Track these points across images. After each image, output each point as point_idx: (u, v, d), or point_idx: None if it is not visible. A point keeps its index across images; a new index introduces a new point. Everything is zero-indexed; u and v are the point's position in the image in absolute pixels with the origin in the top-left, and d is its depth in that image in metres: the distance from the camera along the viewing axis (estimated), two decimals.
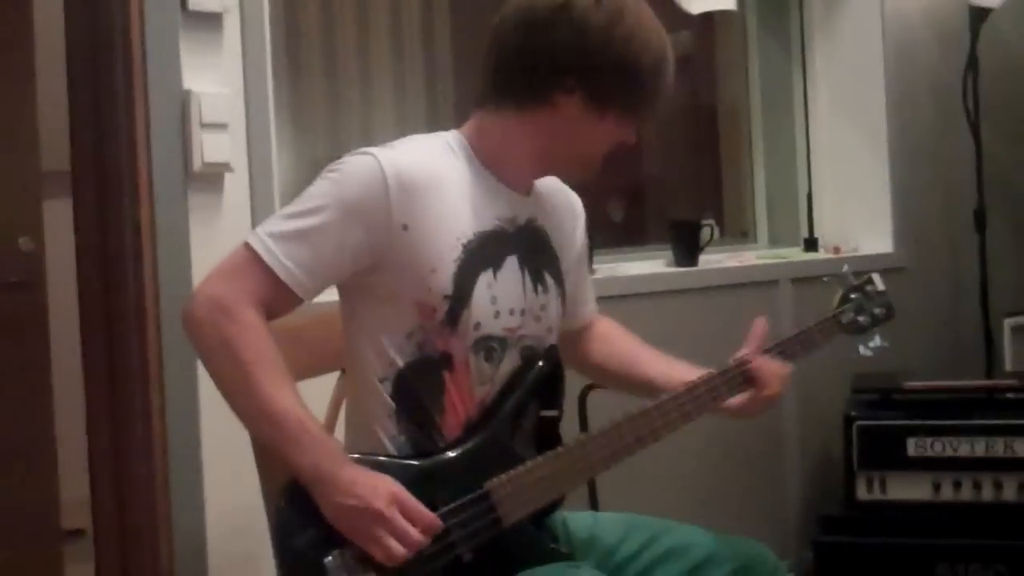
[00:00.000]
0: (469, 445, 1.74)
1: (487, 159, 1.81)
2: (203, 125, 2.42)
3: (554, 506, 1.82)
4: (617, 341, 2.11)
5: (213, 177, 2.49)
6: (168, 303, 2.41)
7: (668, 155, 4.30)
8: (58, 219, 3.19)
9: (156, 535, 2.48)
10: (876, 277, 2.10)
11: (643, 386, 1.98)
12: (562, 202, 1.97)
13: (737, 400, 1.92)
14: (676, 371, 1.96)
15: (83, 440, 2.78)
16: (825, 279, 2.12)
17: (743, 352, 1.92)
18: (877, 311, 2.08)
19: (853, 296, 2.07)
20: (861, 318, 2.07)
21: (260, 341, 1.64)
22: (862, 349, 2.08)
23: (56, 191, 3.24)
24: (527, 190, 1.86)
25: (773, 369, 1.91)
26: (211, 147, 2.44)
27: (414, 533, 1.61)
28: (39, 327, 3.79)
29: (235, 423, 1.72)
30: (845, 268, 2.10)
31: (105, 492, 2.67)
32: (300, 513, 1.64)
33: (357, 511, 1.60)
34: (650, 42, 1.77)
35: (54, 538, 3.84)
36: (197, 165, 2.43)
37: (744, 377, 1.90)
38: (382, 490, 1.61)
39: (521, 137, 1.79)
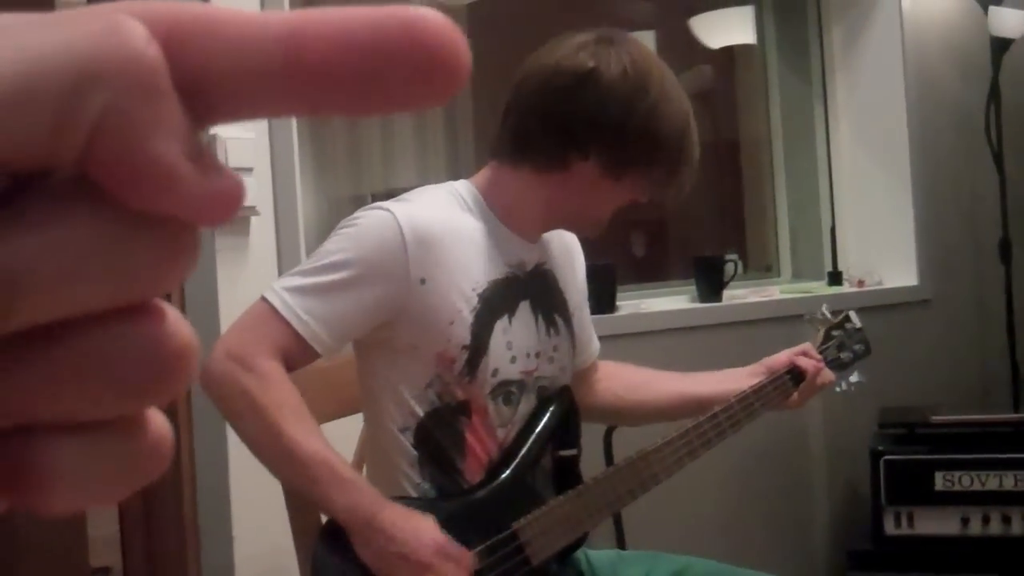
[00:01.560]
0: (493, 487, 1.76)
1: (499, 210, 1.82)
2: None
3: (579, 543, 1.84)
4: (626, 372, 2.13)
5: (239, 221, 2.51)
6: (199, 363, 2.42)
7: (691, 190, 4.31)
8: None
9: (185, 575, 2.50)
10: (853, 315, 2.19)
11: (690, 405, 2.01)
12: (561, 244, 1.98)
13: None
14: (718, 382, 2.02)
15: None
16: (806, 318, 2.19)
17: (784, 356, 2.03)
18: (857, 347, 2.17)
19: (835, 333, 2.15)
20: (843, 355, 2.15)
21: (281, 388, 1.64)
22: (844, 385, 2.16)
23: None
24: (535, 239, 1.88)
25: (826, 375, 2.05)
26: None
27: (459, 574, 1.62)
28: None
29: (266, 477, 1.73)
30: (823, 307, 2.17)
31: (134, 530, 2.69)
32: (338, 556, 1.64)
33: (402, 558, 1.60)
34: (673, 113, 1.75)
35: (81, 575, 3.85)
36: None
37: (795, 379, 2.01)
38: (426, 539, 1.62)
39: (535, 195, 1.81)
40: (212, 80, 0.28)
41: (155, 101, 0.26)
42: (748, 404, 1.94)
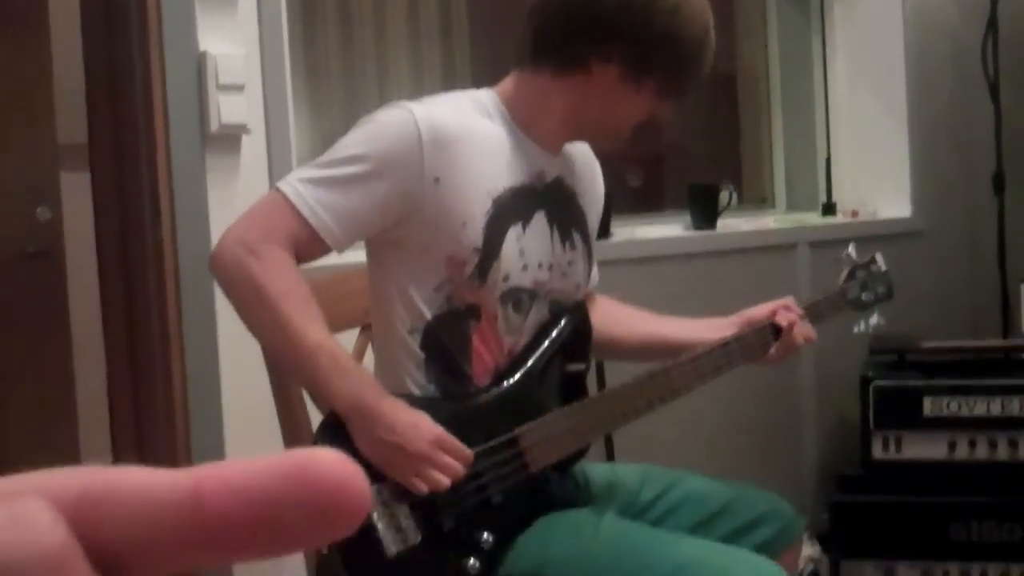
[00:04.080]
0: (499, 392, 1.78)
1: (520, 118, 1.82)
2: (219, 87, 2.44)
3: (578, 455, 1.85)
4: (620, 310, 2.12)
5: (230, 139, 2.50)
6: (187, 264, 2.43)
7: (687, 122, 4.30)
8: (75, 192, 3.22)
9: None
10: (879, 257, 2.17)
11: (657, 347, 2.00)
12: (586, 165, 1.99)
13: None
14: (698, 328, 2.00)
15: (103, 406, 2.81)
16: (835, 258, 2.17)
17: (765, 309, 1.97)
18: (880, 290, 2.16)
19: (859, 274, 2.14)
20: (865, 295, 2.14)
21: (289, 277, 1.65)
22: (862, 325, 2.16)
23: (73, 164, 3.26)
24: (557, 150, 1.88)
25: (806, 332, 1.97)
26: (228, 109, 2.45)
27: (456, 466, 1.65)
28: (59, 296, 3.83)
29: (256, 377, 1.74)
30: (851, 247, 2.15)
31: (127, 458, 2.71)
32: (337, 448, 1.65)
33: (398, 448, 1.62)
34: (694, 17, 1.77)
35: None
36: (214, 127, 2.44)
37: (775, 332, 1.95)
38: (424, 430, 1.64)
39: (556, 100, 1.81)
40: (128, 543, 0.29)
41: None
42: (730, 351, 1.92)
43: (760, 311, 1.98)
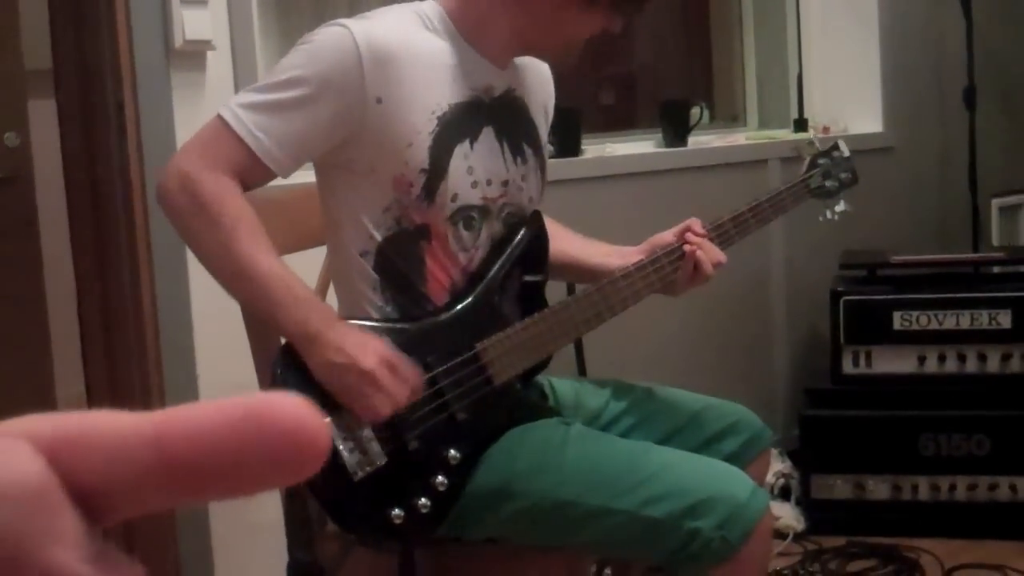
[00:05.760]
0: (456, 309, 1.77)
1: (466, 31, 1.79)
2: (183, 2, 2.40)
3: (541, 367, 1.85)
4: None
5: (195, 55, 2.47)
6: (153, 183, 2.41)
7: (658, 39, 4.27)
8: (44, 118, 3.18)
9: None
10: (842, 144, 2.14)
11: (566, 267, 1.97)
12: (535, 74, 1.95)
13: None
14: (608, 254, 1.95)
15: (76, 332, 2.79)
16: (792, 146, 2.15)
17: (671, 233, 1.91)
18: (843, 176, 2.12)
19: (821, 162, 2.11)
20: (828, 183, 2.11)
21: (236, 205, 1.63)
22: (828, 214, 2.14)
23: (41, 91, 3.23)
24: (505, 64, 1.85)
25: (713, 255, 1.87)
26: (192, 24, 2.42)
27: (402, 391, 1.63)
28: (29, 222, 3.80)
29: (227, 303, 1.73)
30: (812, 134, 2.13)
31: (99, 386, 2.71)
32: (297, 375, 1.65)
33: (345, 368, 1.61)
34: None
35: None
36: (178, 42, 2.41)
37: (677, 260, 1.88)
38: (371, 349, 1.63)
39: (502, 13, 1.77)
40: (99, 485, 0.30)
41: (46, 515, 0.29)
42: (646, 275, 1.86)
43: (666, 236, 1.90)
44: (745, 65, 4.20)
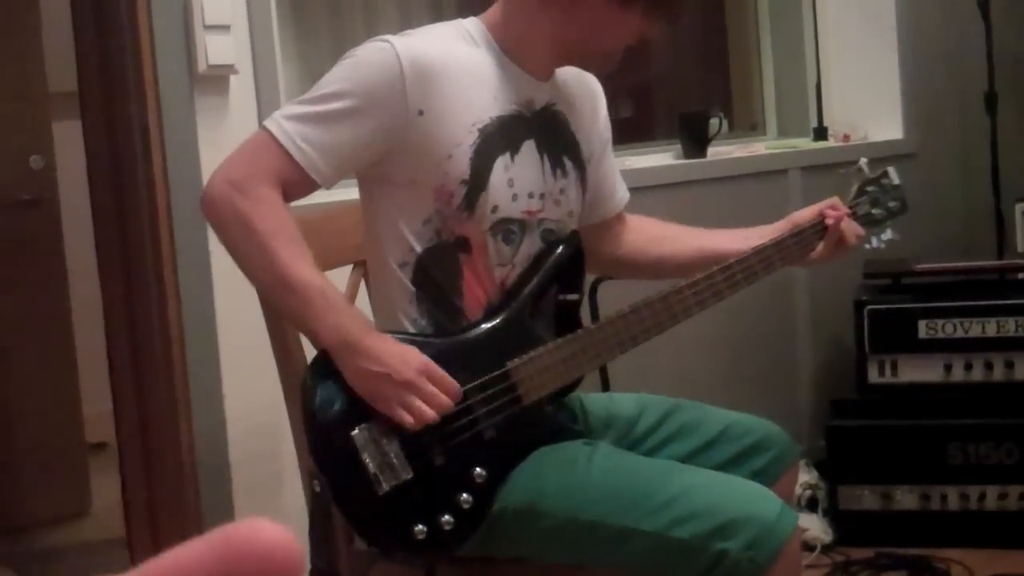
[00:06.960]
0: (490, 326, 1.77)
1: (508, 46, 1.81)
2: (206, 27, 2.43)
3: (572, 387, 1.85)
4: (661, 227, 2.10)
5: (218, 79, 2.49)
6: (179, 205, 2.44)
7: (675, 50, 4.27)
8: (68, 140, 3.22)
9: (178, 436, 2.53)
10: (892, 171, 2.09)
11: (713, 261, 1.90)
12: (582, 87, 1.97)
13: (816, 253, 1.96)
14: (742, 239, 1.95)
15: (102, 352, 2.82)
16: (841, 171, 2.12)
17: (811, 210, 1.96)
18: (892, 204, 2.07)
19: (869, 189, 2.06)
20: (876, 211, 2.06)
21: (277, 215, 1.66)
22: (874, 242, 2.07)
23: (65, 113, 3.26)
24: (547, 76, 1.86)
25: (855, 228, 1.97)
26: (215, 49, 2.44)
27: (443, 398, 1.65)
28: (54, 243, 3.84)
29: (252, 320, 1.75)
30: (861, 161, 2.10)
31: (126, 404, 2.72)
32: (328, 387, 1.67)
33: (385, 378, 1.63)
34: None
35: (79, 451, 3.93)
36: (202, 67, 2.43)
37: (820, 233, 1.94)
38: (412, 359, 1.65)
39: (542, 24, 1.79)
40: None
41: None
42: (766, 257, 1.88)
43: (806, 213, 1.96)
44: (763, 74, 4.20)
